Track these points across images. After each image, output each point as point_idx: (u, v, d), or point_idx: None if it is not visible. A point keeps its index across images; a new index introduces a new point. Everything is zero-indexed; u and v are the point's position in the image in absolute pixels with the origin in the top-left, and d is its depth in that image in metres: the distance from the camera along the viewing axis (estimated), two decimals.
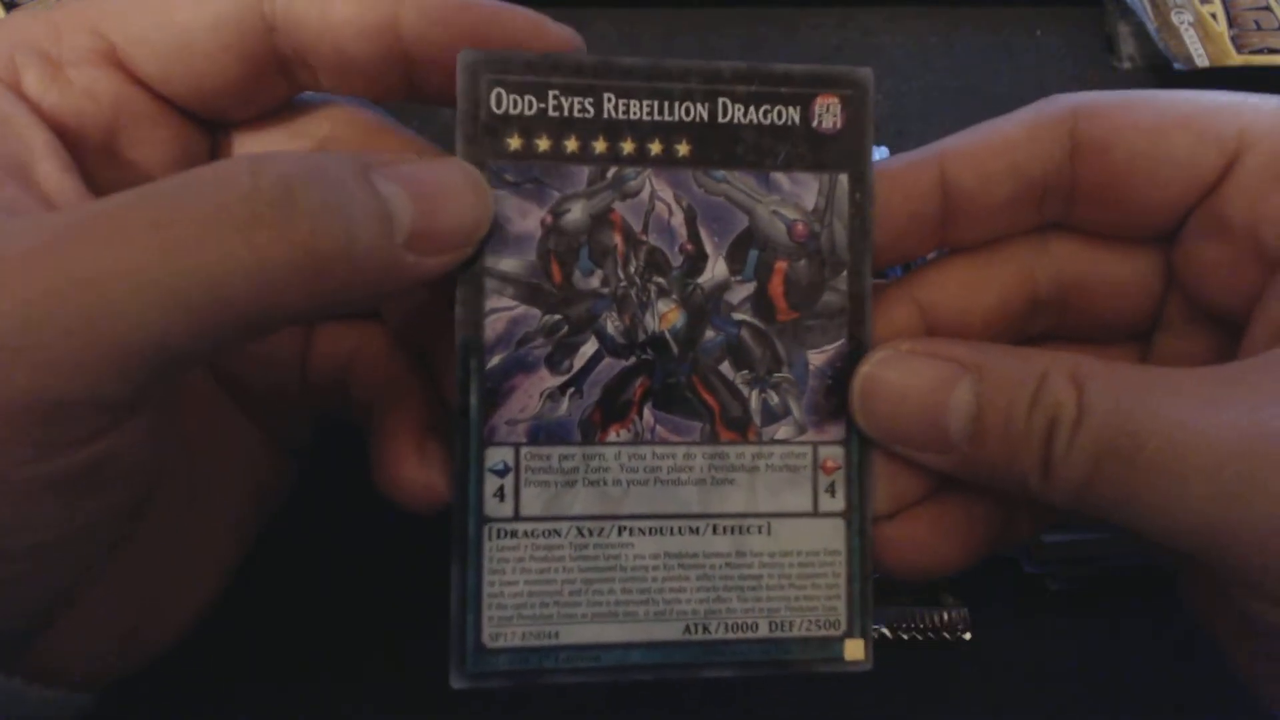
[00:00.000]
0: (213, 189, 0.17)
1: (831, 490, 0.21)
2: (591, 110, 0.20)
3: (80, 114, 0.20)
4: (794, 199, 0.21)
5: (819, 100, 0.21)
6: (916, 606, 0.28)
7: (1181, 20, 0.37)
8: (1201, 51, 0.37)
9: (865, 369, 0.21)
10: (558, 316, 0.21)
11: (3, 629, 0.18)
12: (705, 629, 0.21)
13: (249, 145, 0.23)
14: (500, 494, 0.20)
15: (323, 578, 0.28)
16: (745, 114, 0.21)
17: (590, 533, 0.21)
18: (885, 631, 0.28)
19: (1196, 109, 0.21)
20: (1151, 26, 0.37)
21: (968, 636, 0.28)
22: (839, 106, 0.21)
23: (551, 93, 0.20)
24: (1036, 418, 0.19)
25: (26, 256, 0.16)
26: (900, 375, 0.21)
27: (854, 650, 0.21)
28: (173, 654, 0.23)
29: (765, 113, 0.21)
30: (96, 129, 0.21)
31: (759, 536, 0.21)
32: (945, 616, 0.28)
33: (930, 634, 0.28)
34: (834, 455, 0.21)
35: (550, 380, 0.21)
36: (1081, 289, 0.23)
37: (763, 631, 0.21)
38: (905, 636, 0.28)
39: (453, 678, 0.20)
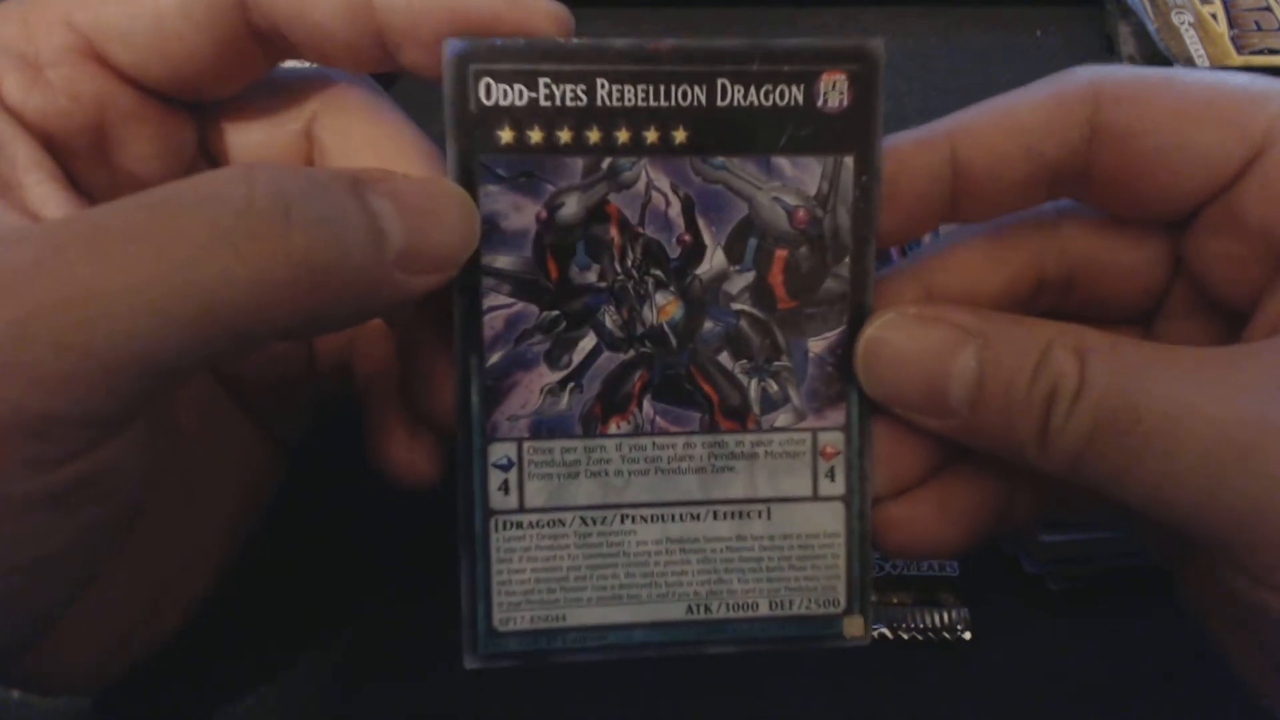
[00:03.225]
0: (206, 201, 0.16)
1: (831, 475, 0.22)
2: (585, 98, 0.20)
3: (65, 117, 0.20)
4: (796, 184, 0.21)
5: (825, 77, 0.20)
6: (916, 606, 0.28)
7: (1181, 20, 0.37)
8: (1201, 52, 0.37)
9: (870, 331, 0.21)
10: (555, 312, 0.21)
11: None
12: (707, 609, 0.21)
13: (236, 130, 0.22)
14: (505, 487, 0.21)
15: (320, 575, 0.28)
16: (745, 95, 0.20)
17: (593, 521, 0.21)
18: (885, 631, 0.28)
19: (1222, 96, 0.20)
20: (1151, 27, 0.37)
21: (968, 636, 0.28)
22: (846, 83, 0.20)
23: (542, 80, 0.19)
24: (1037, 388, 0.19)
25: (16, 271, 0.15)
26: (904, 338, 0.21)
27: (853, 627, 0.22)
28: (166, 653, 0.23)
29: (766, 93, 0.20)
30: (82, 130, 0.20)
31: (759, 521, 0.21)
32: (945, 616, 0.28)
33: (930, 634, 0.28)
34: (833, 441, 0.22)
35: (550, 376, 0.21)
36: (1089, 271, 0.22)
37: (763, 610, 0.22)
38: (905, 636, 0.28)
39: (466, 659, 0.21)
